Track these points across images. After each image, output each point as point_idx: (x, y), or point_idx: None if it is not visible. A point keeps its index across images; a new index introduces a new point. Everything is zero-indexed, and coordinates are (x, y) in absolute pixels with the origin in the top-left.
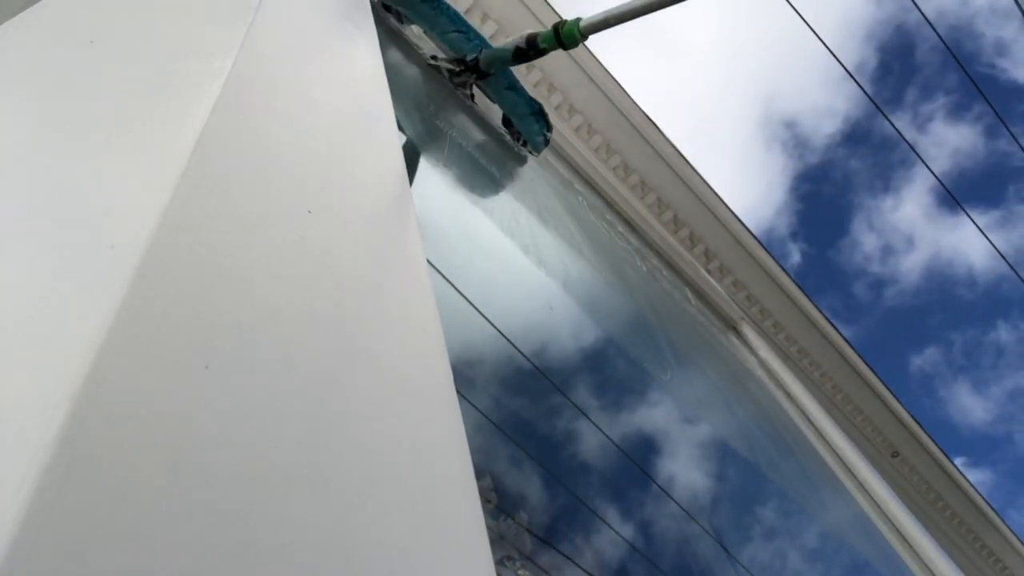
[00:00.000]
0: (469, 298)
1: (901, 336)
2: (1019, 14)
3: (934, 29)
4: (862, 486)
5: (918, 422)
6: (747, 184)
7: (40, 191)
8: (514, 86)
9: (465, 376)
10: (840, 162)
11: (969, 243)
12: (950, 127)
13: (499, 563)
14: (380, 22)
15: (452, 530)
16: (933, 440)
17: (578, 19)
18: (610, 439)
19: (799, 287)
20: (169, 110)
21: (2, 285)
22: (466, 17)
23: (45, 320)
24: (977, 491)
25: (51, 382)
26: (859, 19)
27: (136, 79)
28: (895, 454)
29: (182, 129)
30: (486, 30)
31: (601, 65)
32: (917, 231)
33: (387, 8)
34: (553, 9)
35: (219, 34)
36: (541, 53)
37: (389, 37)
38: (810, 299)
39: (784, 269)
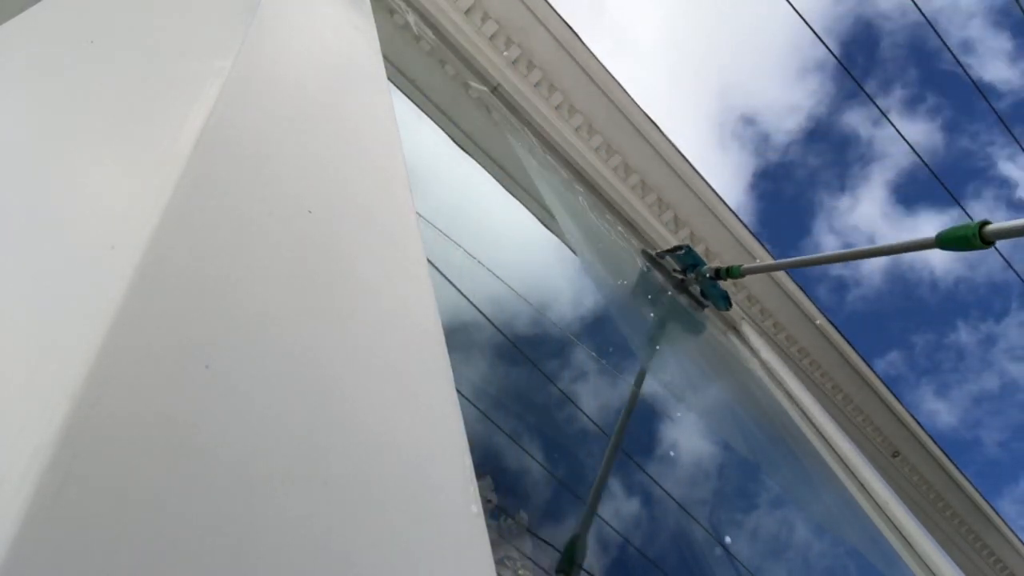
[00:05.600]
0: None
1: (865, 340)
2: (981, 13)
3: (931, 26)
4: (862, 486)
5: (918, 422)
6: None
7: (41, 191)
8: (715, 287)
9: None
10: (800, 160)
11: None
12: (908, 122)
13: (499, 563)
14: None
15: (452, 530)
16: (933, 440)
17: (740, 265)
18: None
19: (799, 287)
20: (169, 110)
21: (3, 285)
22: (466, 16)
23: (45, 320)
24: (977, 491)
25: (51, 382)
26: (817, 13)
27: (136, 79)
28: (895, 454)
29: (182, 129)
30: (487, 29)
31: (601, 65)
32: (877, 231)
33: (647, 255)
34: (553, 9)
35: (219, 34)
36: (721, 278)
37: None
38: (810, 299)
39: (785, 269)
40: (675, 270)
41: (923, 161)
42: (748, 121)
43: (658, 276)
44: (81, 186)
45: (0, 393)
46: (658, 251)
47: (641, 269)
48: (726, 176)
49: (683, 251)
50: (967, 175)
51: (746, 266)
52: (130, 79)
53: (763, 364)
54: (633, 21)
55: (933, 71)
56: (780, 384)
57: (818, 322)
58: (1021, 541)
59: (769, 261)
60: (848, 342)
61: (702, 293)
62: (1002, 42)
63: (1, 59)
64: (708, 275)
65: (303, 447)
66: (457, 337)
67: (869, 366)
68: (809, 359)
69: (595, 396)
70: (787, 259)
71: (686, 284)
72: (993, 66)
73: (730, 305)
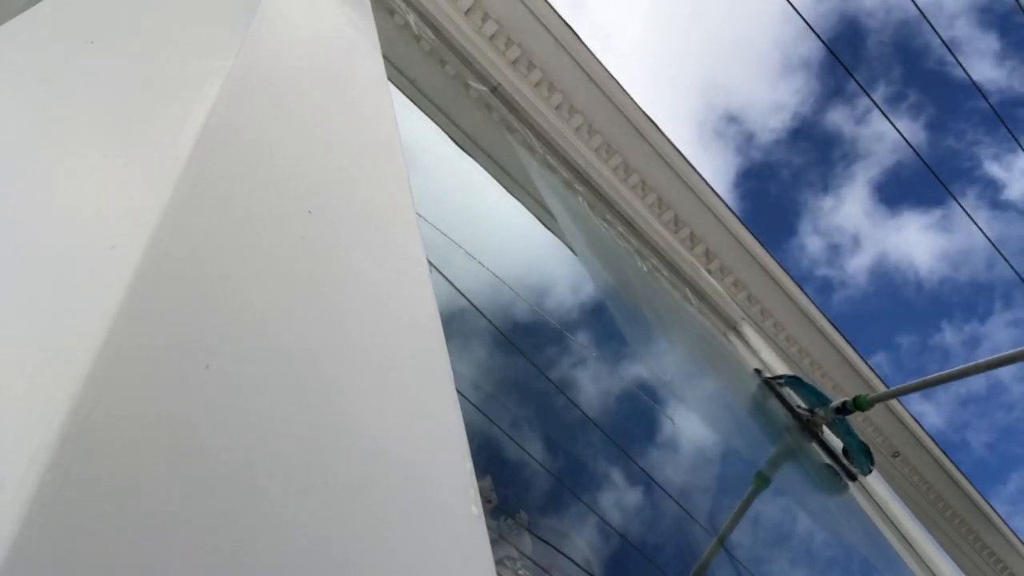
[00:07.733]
0: None
1: (852, 340)
2: (966, 13)
3: (927, 19)
4: (862, 486)
5: (918, 422)
6: None
7: (41, 191)
8: (850, 432)
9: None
10: (784, 159)
11: (913, 244)
12: (893, 120)
13: (499, 563)
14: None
15: (452, 530)
16: (933, 440)
17: (868, 394)
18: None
19: (799, 287)
20: (169, 110)
21: (3, 285)
22: (466, 16)
23: (46, 320)
24: (978, 491)
25: (51, 382)
26: (800, 11)
27: (136, 79)
28: (895, 454)
29: (182, 129)
30: (487, 29)
31: (601, 65)
32: (863, 231)
33: (766, 380)
34: (553, 9)
35: (219, 34)
36: (849, 412)
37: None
38: (811, 299)
39: (785, 269)
40: (799, 406)
41: (915, 151)
42: (731, 120)
43: (780, 409)
44: (81, 186)
45: (0, 393)
46: (769, 376)
47: (757, 394)
48: (709, 175)
49: (793, 381)
50: (951, 174)
51: (872, 395)
52: (130, 79)
53: (763, 364)
54: (613, 20)
55: (917, 70)
56: None
57: (821, 324)
58: (1021, 541)
59: (895, 386)
60: (848, 342)
61: (844, 452)
62: (988, 42)
63: (1, 59)
64: (835, 410)
65: (303, 447)
66: (453, 326)
67: (869, 366)
68: (809, 359)
69: (593, 387)
70: (914, 381)
71: (813, 424)
72: (978, 66)
73: (872, 464)
